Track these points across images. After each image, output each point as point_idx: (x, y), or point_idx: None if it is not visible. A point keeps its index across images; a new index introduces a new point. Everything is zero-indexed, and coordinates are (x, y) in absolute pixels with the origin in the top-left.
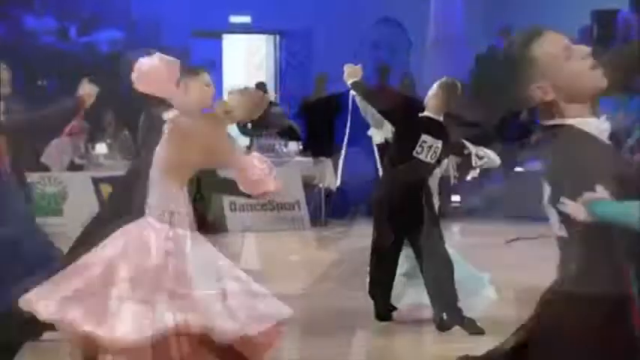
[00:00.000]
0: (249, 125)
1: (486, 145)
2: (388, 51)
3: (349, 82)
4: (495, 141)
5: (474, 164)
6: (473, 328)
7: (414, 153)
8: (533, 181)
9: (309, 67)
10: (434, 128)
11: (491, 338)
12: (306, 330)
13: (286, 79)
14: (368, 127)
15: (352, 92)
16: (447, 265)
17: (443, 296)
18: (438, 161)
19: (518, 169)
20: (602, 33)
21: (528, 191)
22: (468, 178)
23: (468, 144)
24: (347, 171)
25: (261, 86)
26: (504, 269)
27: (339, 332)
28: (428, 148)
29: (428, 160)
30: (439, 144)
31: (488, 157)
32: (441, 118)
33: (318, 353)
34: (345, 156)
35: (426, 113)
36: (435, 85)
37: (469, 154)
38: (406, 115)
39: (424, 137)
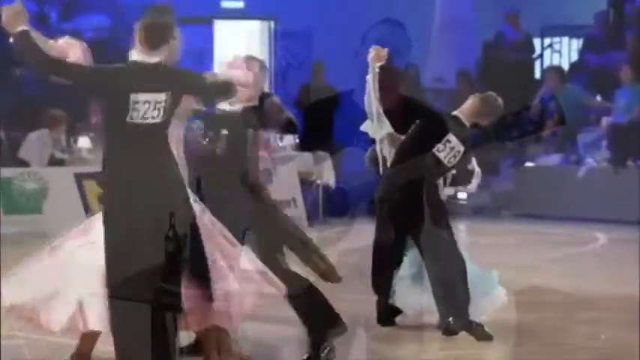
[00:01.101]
0: None
1: (492, 140)
2: (391, 50)
3: (376, 65)
4: (503, 136)
5: (471, 183)
6: (481, 334)
7: (435, 150)
8: (545, 176)
9: (310, 68)
10: (461, 132)
11: (499, 344)
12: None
13: (287, 80)
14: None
15: (369, 77)
16: (458, 266)
17: (451, 299)
18: (451, 169)
19: (529, 163)
20: (619, 18)
21: (540, 188)
22: (446, 192)
23: (473, 159)
24: (346, 169)
25: None
26: (514, 271)
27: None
28: (450, 149)
29: (445, 161)
30: (461, 149)
31: (476, 180)
32: (468, 125)
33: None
34: None
35: (456, 113)
36: (478, 94)
37: (472, 171)
38: (433, 108)
39: (450, 137)
